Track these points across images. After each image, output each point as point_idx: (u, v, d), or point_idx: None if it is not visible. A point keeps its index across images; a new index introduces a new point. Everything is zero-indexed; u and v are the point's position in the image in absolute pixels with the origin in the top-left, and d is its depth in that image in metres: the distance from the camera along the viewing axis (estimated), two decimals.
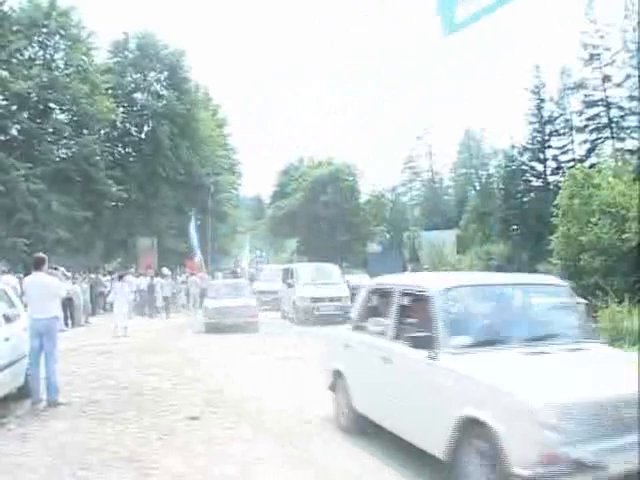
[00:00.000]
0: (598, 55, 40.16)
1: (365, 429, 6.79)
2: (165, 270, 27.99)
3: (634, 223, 18.86)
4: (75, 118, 32.31)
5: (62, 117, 32.93)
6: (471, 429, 4.80)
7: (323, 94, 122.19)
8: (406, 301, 6.36)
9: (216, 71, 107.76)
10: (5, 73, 29.18)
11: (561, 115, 43.14)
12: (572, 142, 42.68)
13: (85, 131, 32.54)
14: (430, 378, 5.42)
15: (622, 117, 40.02)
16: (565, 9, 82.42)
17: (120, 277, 20.93)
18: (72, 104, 31.48)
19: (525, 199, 42.54)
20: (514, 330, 5.80)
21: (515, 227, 33.00)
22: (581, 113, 41.73)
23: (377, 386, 6.50)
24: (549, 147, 43.10)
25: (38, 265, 9.03)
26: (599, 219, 20.18)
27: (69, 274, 21.17)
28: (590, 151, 39.84)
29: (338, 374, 7.32)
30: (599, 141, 40.78)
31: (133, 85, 38.45)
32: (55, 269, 17.83)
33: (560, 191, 24.29)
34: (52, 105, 32.19)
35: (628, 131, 39.60)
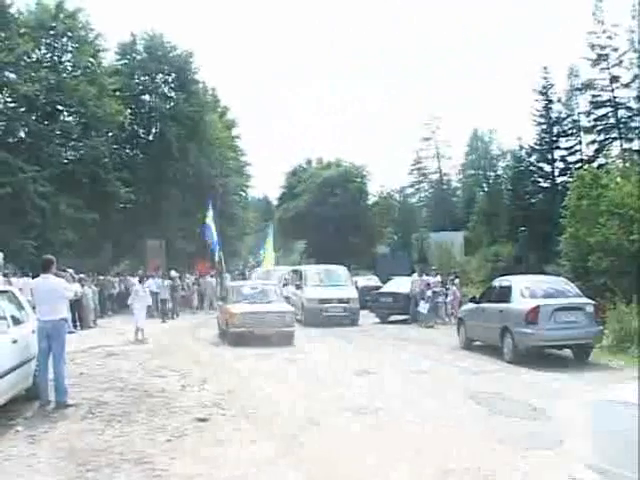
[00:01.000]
0: (606, 56, 40.06)
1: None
2: (173, 272, 27.68)
3: None
4: (83, 120, 32.23)
5: (70, 119, 32.87)
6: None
7: (331, 95, 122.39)
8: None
9: (223, 73, 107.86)
10: (13, 76, 29.20)
11: (569, 116, 43.06)
12: (580, 143, 42.64)
13: (93, 133, 32.43)
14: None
15: (630, 118, 39.90)
16: (573, 9, 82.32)
17: (140, 279, 20.63)
18: (80, 106, 31.41)
19: (533, 200, 42.47)
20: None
21: (523, 228, 32.86)
22: (589, 114, 41.64)
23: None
24: (557, 148, 43.02)
25: (46, 267, 9.04)
26: (607, 220, 20.11)
27: (77, 276, 21.17)
28: (598, 152, 39.61)
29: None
30: (607, 142, 40.66)
31: (141, 87, 38.32)
32: (64, 271, 17.89)
33: (568, 192, 24.25)
34: (60, 107, 32.13)
35: (636, 132, 39.46)
